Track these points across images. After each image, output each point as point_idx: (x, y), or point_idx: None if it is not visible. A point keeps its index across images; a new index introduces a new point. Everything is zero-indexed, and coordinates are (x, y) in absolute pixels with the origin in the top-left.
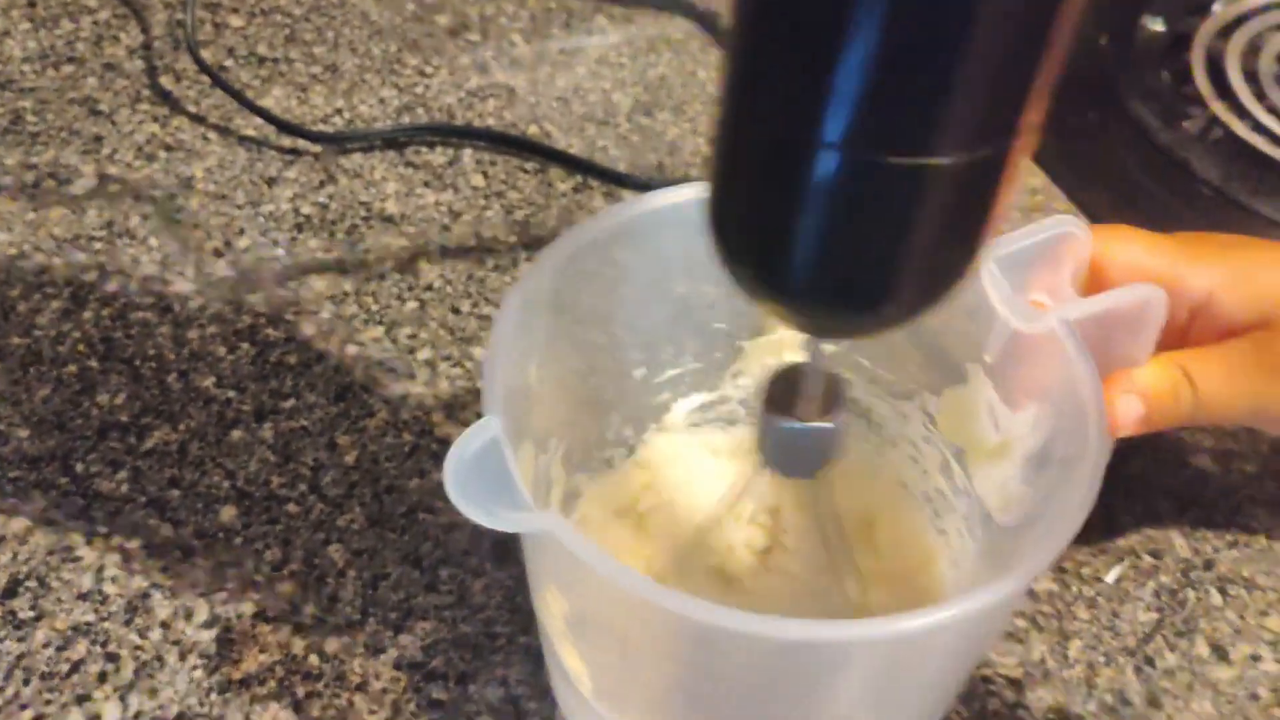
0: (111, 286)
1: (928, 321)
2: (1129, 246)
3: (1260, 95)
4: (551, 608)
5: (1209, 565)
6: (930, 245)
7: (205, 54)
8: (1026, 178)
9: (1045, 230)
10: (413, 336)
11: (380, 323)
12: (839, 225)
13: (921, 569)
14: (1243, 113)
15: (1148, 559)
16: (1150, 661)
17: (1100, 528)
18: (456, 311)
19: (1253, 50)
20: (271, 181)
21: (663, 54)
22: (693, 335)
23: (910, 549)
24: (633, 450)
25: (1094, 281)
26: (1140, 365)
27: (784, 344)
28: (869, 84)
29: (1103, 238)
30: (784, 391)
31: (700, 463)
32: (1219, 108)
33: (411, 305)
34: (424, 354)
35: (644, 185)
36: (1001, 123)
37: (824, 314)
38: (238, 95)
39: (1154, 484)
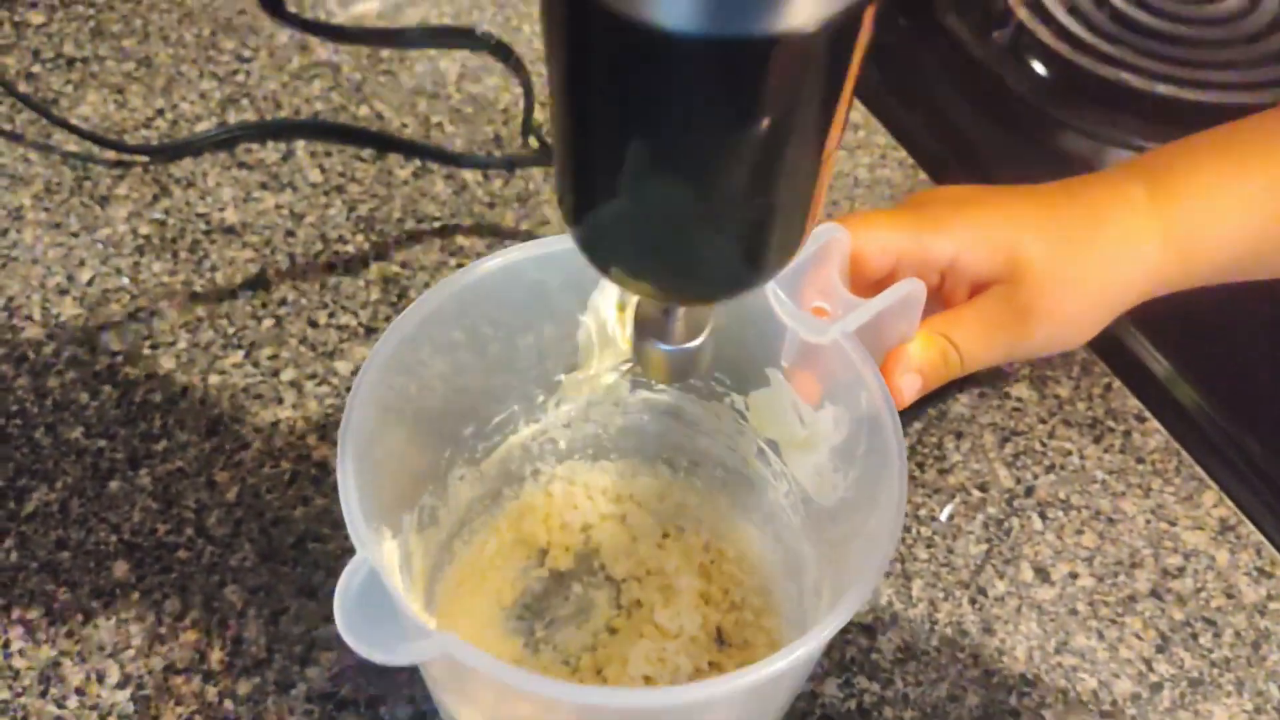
0: None
1: (726, 334)
2: (875, 231)
3: None
4: (444, 690)
5: (1029, 492)
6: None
7: (9, 60)
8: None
9: (812, 242)
10: (274, 357)
11: (239, 346)
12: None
13: (748, 563)
14: (1047, 17)
15: (976, 493)
16: (983, 591)
17: (933, 468)
18: (314, 325)
19: None
20: (104, 201)
21: (486, 9)
22: (513, 382)
23: (735, 541)
24: (480, 499)
25: (854, 267)
26: (910, 339)
27: (594, 379)
28: None
29: (852, 226)
30: (650, 319)
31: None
32: (1025, 14)
33: (268, 323)
34: (288, 375)
35: (483, 164)
36: None
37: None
38: (45, 112)
39: (979, 419)
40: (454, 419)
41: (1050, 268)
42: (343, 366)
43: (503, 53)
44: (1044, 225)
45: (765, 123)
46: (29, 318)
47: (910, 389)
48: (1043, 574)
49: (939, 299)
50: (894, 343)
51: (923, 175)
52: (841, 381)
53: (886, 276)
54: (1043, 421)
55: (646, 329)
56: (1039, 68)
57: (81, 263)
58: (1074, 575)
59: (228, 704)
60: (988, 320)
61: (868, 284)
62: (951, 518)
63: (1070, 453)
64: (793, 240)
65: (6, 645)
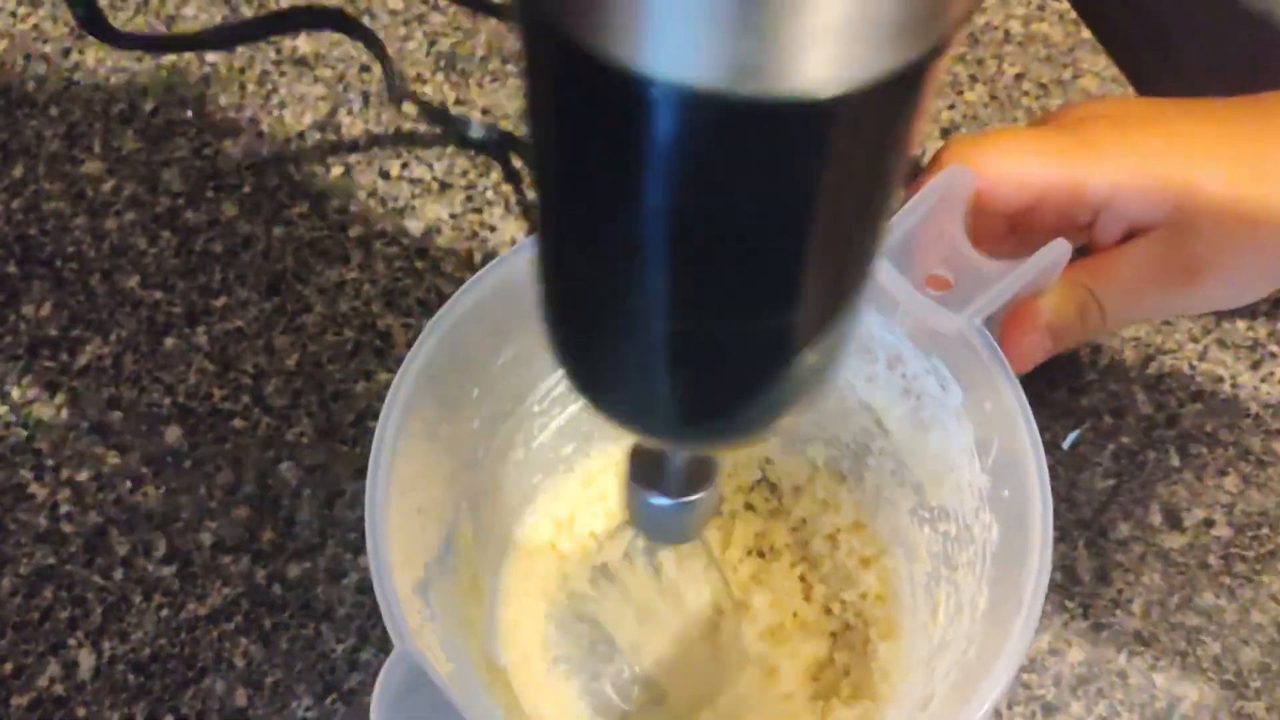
0: (17, 171)
1: None
2: (1016, 159)
3: None
4: None
5: (1171, 422)
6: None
7: None
8: None
9: (929, 196)
10: (341, 211)
11: (305, 195)
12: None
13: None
14: None
15: (1108, 419)
16: (1104, 533)
17: (1063, 386)
18: (385, 176)
19: None
20: (170, 20)
21: None
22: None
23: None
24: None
25: (985, 200)
26: (1043, 293)
27: None
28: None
29: (985, 153)
30: (647, 466)
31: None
32: None
33: (337, 171)
34: (355, 230)
35: None
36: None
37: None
38: None
39: (1120, 332)
40: (510, 398)
41: (1230, 211)
42: (414, 226)
43: None
44: (1227, 156)
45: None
46: (89, 149)
47: (1037, 351)
48: (1174, 519)
49: (1086, 238)
50: (1024, 296)
51: (1086, 33)
52: (966, 377)
53: (1024, 210)
54: (1194, 340)
55: (640, 475)
56: None
57: (144, 91)
58: (1209, 523)
59: (276, 588)
60: (1143, 272)
61: (999, 219)
62: (1076, 446)
63: (1222, 379)
64: (831, 369)
65: (55, 508)
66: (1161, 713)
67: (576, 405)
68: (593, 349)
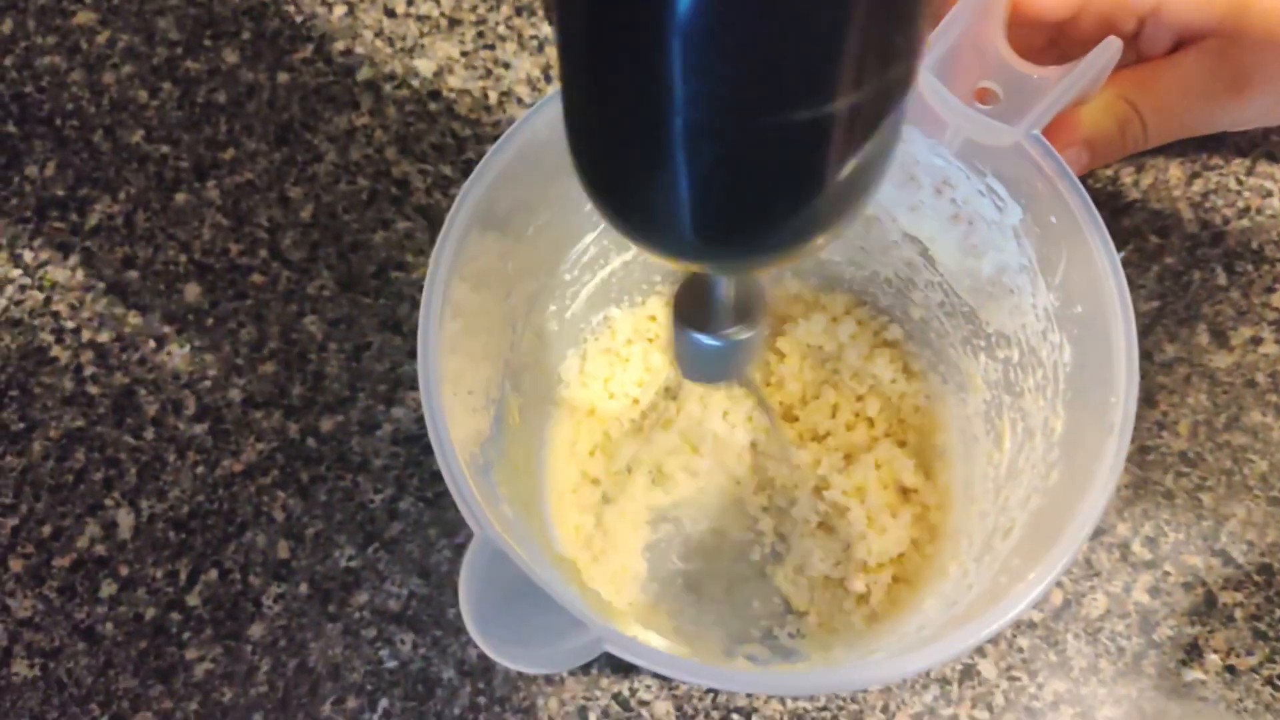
0: (6, 26)
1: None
2: None
3: None
4: None
5: (1216, 240)
6: (837, 180)
7: None
8: None
9: (967, 5)
10: (346, 53)
11: (308, 38)
12: (738, 184)
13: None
14: None
15: (1153, 239)
16: (1148, 355)
17: (1105, 206)
18: (391, 14)
19: None
20: None
21: None
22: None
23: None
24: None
25: (1022, 12)
26: (1087, 100)
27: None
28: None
29: None
30: (693, 304)
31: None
32: None
33: (339, 11)
34: (363, 74)
35: None
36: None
37: (734, 263)
38: None
39: (1165, 149)
40: (542, 270)
41: None
42: (424, 66)
43: None
44: None
45: None
46: (80, 0)
47: (1073, 165)
48: (1221, 338)
49: (1131, 49)
50: (1070, 104)
51: None
52: (1026, 193)
53: (1065, 22)
54: (1242, 154)
55: (685, 315)
56: None
57: None
58: (1257, 340)
59: (310, 442)
60: (1189, 84)
61: (1038, 34)
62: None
63: (1271, 193)
64: (867, 184)
65: (79, 370)
66: (1208, 531)
67: (605, 270)
68: (622, 154)
